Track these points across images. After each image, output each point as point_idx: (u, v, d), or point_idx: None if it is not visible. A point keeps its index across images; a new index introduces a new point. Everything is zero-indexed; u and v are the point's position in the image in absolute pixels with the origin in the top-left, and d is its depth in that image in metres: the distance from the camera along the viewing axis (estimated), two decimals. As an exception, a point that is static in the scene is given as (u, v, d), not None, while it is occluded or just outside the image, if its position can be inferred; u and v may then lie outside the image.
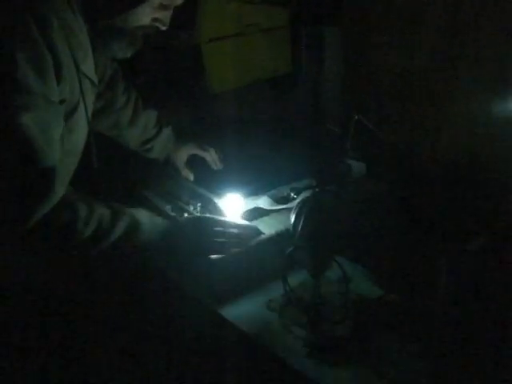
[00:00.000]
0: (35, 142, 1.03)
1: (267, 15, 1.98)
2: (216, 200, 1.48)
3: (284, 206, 1.51)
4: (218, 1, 1.88)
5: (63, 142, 1.15)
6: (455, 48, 1.60)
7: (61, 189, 1.11)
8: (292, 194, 1.56)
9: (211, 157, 1.71)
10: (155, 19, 1.21)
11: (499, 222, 1.43)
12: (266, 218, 1.50)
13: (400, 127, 1.81)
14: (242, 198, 1.50)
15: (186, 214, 1.43)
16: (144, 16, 1.18)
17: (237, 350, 1.34)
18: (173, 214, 1.46)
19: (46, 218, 1.07)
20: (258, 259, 1.38)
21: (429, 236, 1.36)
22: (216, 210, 1.46)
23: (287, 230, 1.32)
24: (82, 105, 1.21)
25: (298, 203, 1.26)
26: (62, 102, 1.12)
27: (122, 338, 1.66)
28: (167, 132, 1.71)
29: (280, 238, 1.40)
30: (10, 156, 1.03)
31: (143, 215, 1.26)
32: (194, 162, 1.75)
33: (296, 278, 1.34)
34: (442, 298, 1.21)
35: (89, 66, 1.21)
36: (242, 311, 1.31)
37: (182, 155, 1.73)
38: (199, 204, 1.49)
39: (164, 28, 1.24)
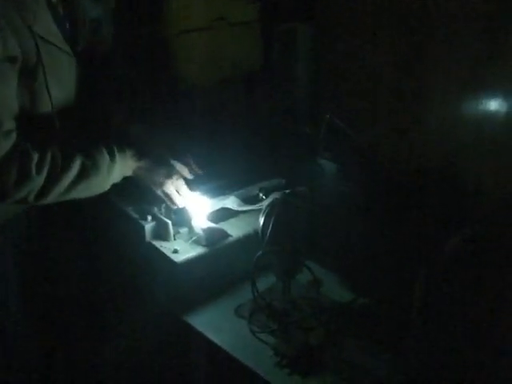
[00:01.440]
0: None
1: (236, 9, 1.92)
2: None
3: (252, 207, 1.46)
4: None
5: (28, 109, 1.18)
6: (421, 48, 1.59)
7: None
8: (261, 195, 1.51)
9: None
10: None
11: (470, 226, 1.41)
12: (233, 220, 1.45)
13: (371, 127, 1.78)
14: (209, 198, 1.44)
15: (149, 217, 1.36)
16: None
17: (204, 360, 1.29)
18: (136, 215, 1.39)
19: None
20: (225, 263, 1.33)
21: (401, 238, 1.33)
22: (181, 211, 1.40)
23: (256, 233, 1.27)
24: (40, 69, 1.17)
25: (267, 206, 1.21)
26: (11, 59, 1.12)
27: (85, 343, 1.60)
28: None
29: (248, 240, 1.35)
30: None
31: (102, 156, 1.24)
32: None
33: (265, 283, 1.30)
34: (414, 301, 1.18)
35: (44, 29, 1.18)
36: (209, 318, 1.26)
37: None
38: (163, 205, 1.42)
39: None
